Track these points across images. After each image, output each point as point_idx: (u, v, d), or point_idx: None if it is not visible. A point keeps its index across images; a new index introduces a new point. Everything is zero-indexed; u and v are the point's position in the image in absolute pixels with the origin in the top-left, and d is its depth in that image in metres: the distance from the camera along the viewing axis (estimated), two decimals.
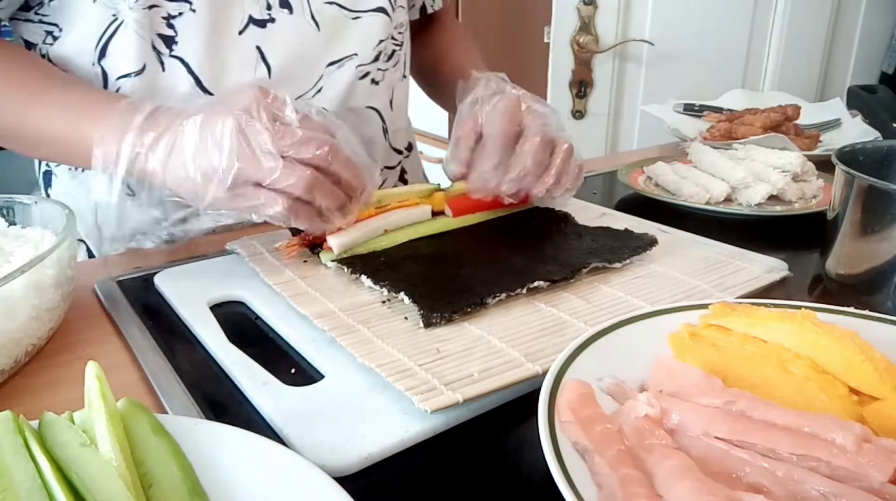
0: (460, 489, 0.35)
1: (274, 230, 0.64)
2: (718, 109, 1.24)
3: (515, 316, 0.48)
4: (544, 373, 0.38)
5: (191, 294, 0.53)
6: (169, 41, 0.64)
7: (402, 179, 0.88)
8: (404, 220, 0.62)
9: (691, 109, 1.26)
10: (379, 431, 0.37)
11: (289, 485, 0.31)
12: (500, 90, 0.66)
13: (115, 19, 0.63)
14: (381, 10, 0.73)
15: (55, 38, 0.65)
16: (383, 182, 0.84)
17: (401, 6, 0.77)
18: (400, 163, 0.86)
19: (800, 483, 0.28)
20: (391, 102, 0.81)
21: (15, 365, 0.45)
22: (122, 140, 0.51)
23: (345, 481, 0.31)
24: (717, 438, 0.32)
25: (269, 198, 0.50)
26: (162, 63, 0.65)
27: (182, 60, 0.65)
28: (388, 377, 0.40)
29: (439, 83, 0.88)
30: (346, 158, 0.52)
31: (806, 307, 0.42)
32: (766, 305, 0.43)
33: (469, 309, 0.48)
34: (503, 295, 0.50)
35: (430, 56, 0.91)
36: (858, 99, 1.23)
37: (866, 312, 0.43)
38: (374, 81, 0.76)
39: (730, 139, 1.03)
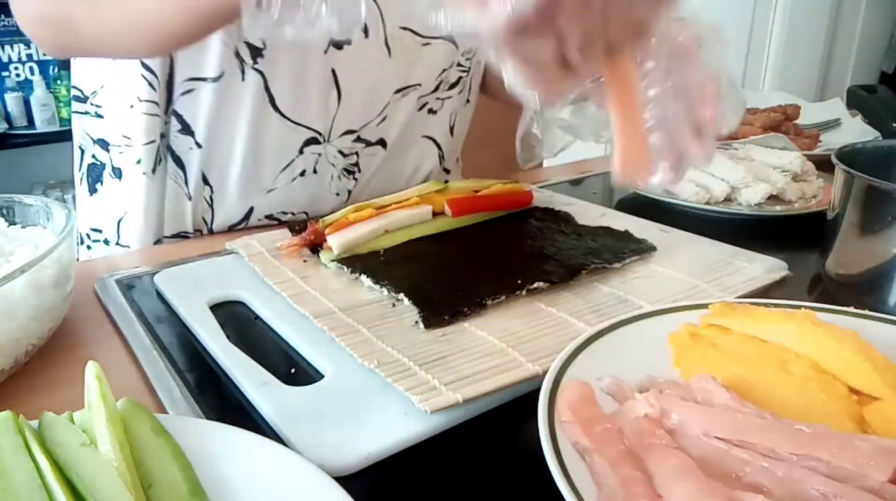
0: (460, 489, 0.35)
1: (274, 230, 0.64)
2: None
3: (515, 316, 0.48)
4: (544, 373, 0.38)
5: (191, 294, 0.53)
6: (255, 52, 0.63)
7: None
8: (404, 220, 0.62)
9: None
10: (379, 431, 0.37)
11: (289, 485, 0.31)
12: None
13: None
14: (450, 38, 0.73)
15: None
16: None
17: None
18: (447, 181, 0.86)
19: (800, 483, 0.28)
20: (452, 129, 0.80)
21: (15, 365, 0.45)
22: None
23: (345, 481, 0.31)
24: (716, 438, 0.32)
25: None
26: (243, 72, 0.64)
27: (262, 74, 0.64)
28: (388, 377, 0.40)
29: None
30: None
31: (806, 307, 0.42)
32: (766, 305, 0.43)
33: (469, 310, 0.48)
34: (503, 296, 0.50)
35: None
36: (858, 99, 1.22)
37: (866, 312, 0.43)
38: (431, 111, 0.76)
39: (730, 139, 1.03)
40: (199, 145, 0.68)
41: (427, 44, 0.71)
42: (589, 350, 0.39)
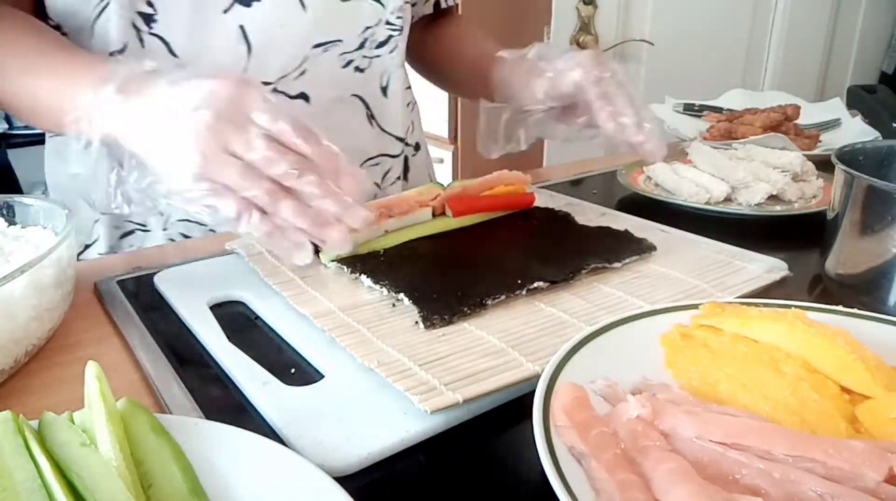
0: (460, 489, 0.35)
1: None
2: (718, 109, 1.25)
3: (515, 316, 0.48)
4: None
5: (191, 294, 0.53)
6: (147, 19, 0.64)
7: (405, 177, 0.87)
8: (404, 220, 0.62)
9: (691, 109, 1.26)
10: (379, 431, 0.37)
11: (289, 485, 0.31)
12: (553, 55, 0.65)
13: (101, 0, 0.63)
14: None
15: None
16: (387, 172, 0.83)
17: None
18: (403, 153, 0.85)
19: (797, 484, 0.28)
20: (384, 89, 0.79)
21: (15, 365, 0.45)
22: (91, 104, 0.48)
23: (345, 481, 0.31)
24: (711, 441, 0.32)
25: (226, 200, 0.44)
26: (141, 41, 0.64)
27: (162, 39, 0.64)
28: (388, 377, 0.40)
29: (462, 72, 0.86)
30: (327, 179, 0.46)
31: (796, 307, 0.42)
32: (756, 304, 0.44)
33: (469, 310, 0.48)
34: (503, 296, 0.50)
35: (445, 50, 0.89)
36: (858, 99, 1.23)
37: (856, 310, 0.43)
38: (358, 69, 0.75)
39: (730, 139, 1.03)
40: None
41: (346, 0, 0.71)
42: (582, 353, 0.39)
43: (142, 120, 0.47)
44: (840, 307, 0.43)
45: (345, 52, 0.73)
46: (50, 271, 0.46)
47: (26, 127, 2.52)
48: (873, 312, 0.43)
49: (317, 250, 0.58)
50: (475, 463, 0.37)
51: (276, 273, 0.56)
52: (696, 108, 1.26)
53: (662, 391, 0.37)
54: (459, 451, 0.38)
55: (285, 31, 0.68)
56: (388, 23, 0.75)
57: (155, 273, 0.58)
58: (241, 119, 0.45)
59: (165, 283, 0.56)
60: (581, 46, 1.69)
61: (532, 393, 0.35)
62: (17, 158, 2.52)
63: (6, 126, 2.49)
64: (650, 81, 1.73)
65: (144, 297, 0.55)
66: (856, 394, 0.36)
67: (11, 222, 0.55)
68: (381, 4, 0.73)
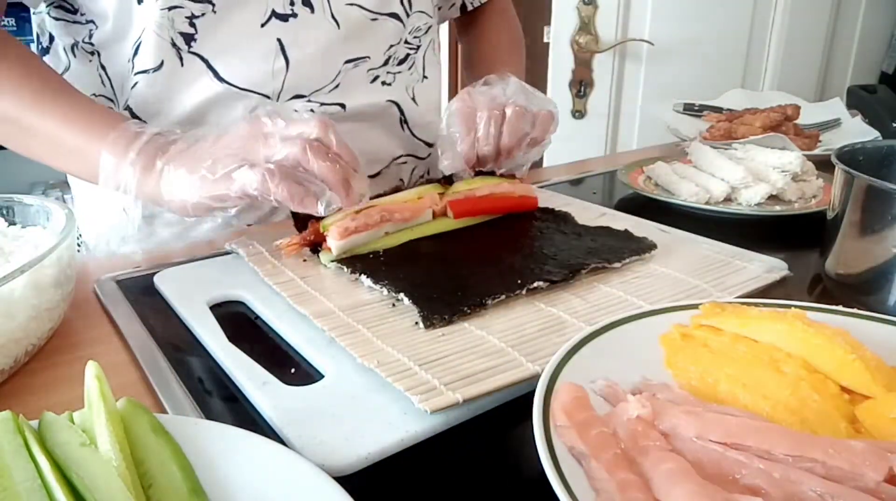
0: (460, 489, 0.35)
1: (273, 230, 0.64)
2: (718, 109, 1.25)
3: (515, 316, 0.48)
4: None
5: (191, 294, 0.53)
6: (188, 38, 0.66)
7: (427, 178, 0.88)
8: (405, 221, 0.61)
9: (691, 109, 1.26)
10: (379, 431, 0.37)
11: (289, 485, 0.31)
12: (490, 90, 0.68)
13: (144, 31, 0.65)
14: (394, 15, 0.75)
15: (91, 38, 0.69)
16: (414, 169, 0.86)
17: (419, 11, 0.78)
18: (430, 155, 0.87)
19: (797, 484, 0.28)
20: (413, 99, 0.81)
21: (15, 365, 0.45)
22: (124, 158, 0.54)
23: (345, 481, 0.31)
24: (711, 441, 0.32)
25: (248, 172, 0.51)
26: (181, 59, 0.67)
27: (201, 57, 0.67)
28: (388, 377, 0.40)
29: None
30: (341, 139, 0.53)
31: (796, 307, 0.42)
32: (756, 304, 0.43)
33: (469, 310, 0.48)
34: (503, 296, 0.50)
35: (473, 53, 0.93)
36: (858, 99, 1.23)
37: (856, 310, 0.43)
38: (384, 83, 0.77)
39: (730, 139, 1.03)
40: None
41: (375, 19, 0.73)
42: (582, 353, 0.39)
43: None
44: (840, 307, 0.43)
45: (372, 69, 0.75)
46: (50, 271, 0.46)
47: None
48: (873, 312, 0.43)
49: (316, 251, 0.58)
50: (475, 463, 0.37)
51: (276, 273, 0.56)
52: (696, 108, 1.26)
53: (662, 391, 0.37)
54: (459, 451, 0.38)
55: (320, 47, 0.71)
56: (406, 42, 0.78)
57: (155, 273, 0.58)
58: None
59: (165, 283, 0.56)
60: (581, 46, 1.69)
61: (532, 393, 0.35)
62: (18, 158, 2.52)
63: None
64: (650, 82, 1.73)
65: (144, 297, 0.55)
66: (856, 394, 0.36)
67: (11, 222, 0.55)
68: (402, 23, 0.76)
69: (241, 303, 0.54)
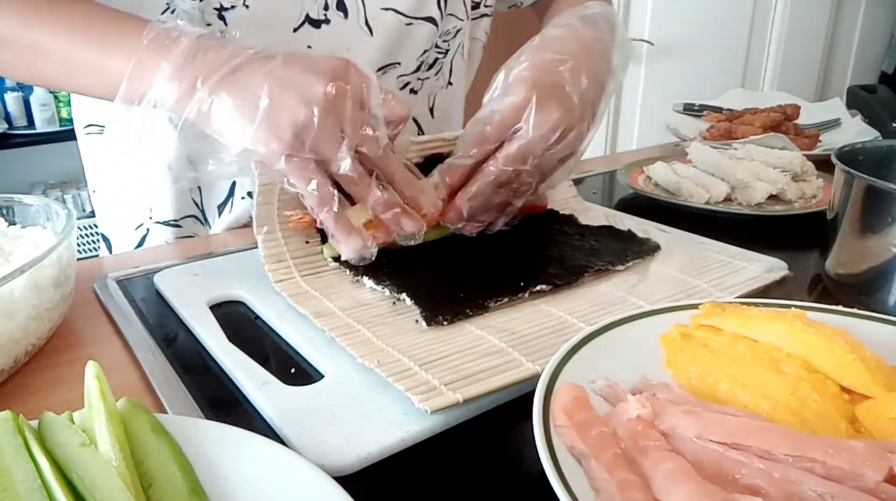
0: (460, 489, 0.35)
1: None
2: (718, 109, 1.25)
3: (515, 316, 0.48)
4: None
5: (191, 294, 0.53)
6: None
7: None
8: None
9: (691, 109, 1.26)
10: (379, 431, 0.37)
11: (289, 485, 0.31)
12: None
13: (168, 7, 0.62)
14: (430, 19, 0.73)
15: None
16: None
17: (451, 14, 0.75)
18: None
19: (797, 484, 0.28)
20: (431, 110, 0.80)
21: (15, 365, 0.45)
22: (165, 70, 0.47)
23: (345, 481, 0.31)
24: (711, 441, 0.32)
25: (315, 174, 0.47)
26: None
27: None
28: (388, 377, 0.40)
29: None
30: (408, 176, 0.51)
31: (796, 306, 0.42)
32: (756, 304, 0.44)
33: (470, 312, 0.48)
34: (505, 299, 0.50)
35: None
36: (858, 99, 1.23)
37: (856, 310, 0.43)
38: (412, 91, 0.76)
39: (730, 139, 1.04)
40: None
41: (410, 24, 0.71)
42: (582, 353, 0.39)
43: (242, 86, 0.46)
44: (840, 307, 0.43)
45: (402, 75, 0.74)
46: (50, 271, 0.46)
47: (26, 127, 2.52)
48: (873, 312, 0.43)
49: (324, 240, 0.58)
50: (475, 463, 0.37)
51: (276, 273, 0.55)
52: (696, 108, 1.26)
53: (662, 391, 0.37)
54: (459, 451, 0.38)
55: (352, 55, 0.67)
56: (436, 46, 0.76)
57: (155, 273, 0.58)
58: (356, 104, 0.47)
59: (165, 283, 0.56)
60: None
61: (532, 393, 0.35)
62: (18, 158, 2.52)
63: (6, 126, 2.49)
64: (650, 81, 1.73)
65: (144, 297, 0.55)
66: (856, 394, 0.36)
67: (11, 222, 0.55)
68: (437, 27, 0.74)
69: (241, 303, 0.54)
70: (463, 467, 0.37)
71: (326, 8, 0.66)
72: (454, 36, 0.79)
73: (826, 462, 0.29)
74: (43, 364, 0.47)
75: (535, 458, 0.31)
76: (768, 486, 0.29)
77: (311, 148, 0.46)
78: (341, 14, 0.67)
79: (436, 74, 0.78)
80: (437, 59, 0.78)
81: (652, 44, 1.66)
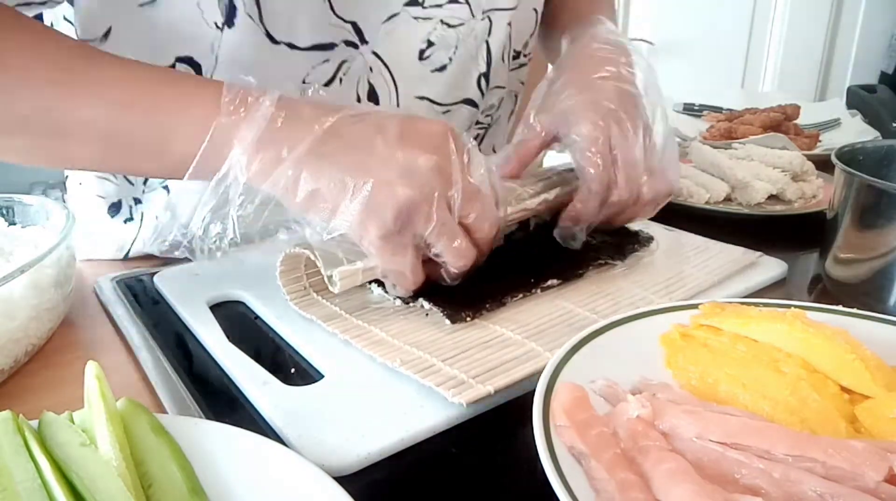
0: (460, 489, 0.35)
1: None
2: (718, 109, 1.25)
3: (529, 310, 0.49)
4: None
5: (191, 294, 0.53)
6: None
7: None
8: None
9: (691, 109, 1.26)
10: (379, 430, 0.37)
11: (289, 485, 0.31)
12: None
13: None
14: (469, 101, 0.71)
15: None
16: None
17: (497, 86, 0.72)
18: None
19: (797, 484, 0.28)
20: None
21: (15, 365, 0.45)
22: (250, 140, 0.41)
23: (345, 481, 0.31)
24: (711, 441, 0.32)
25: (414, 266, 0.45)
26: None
27: None
28: (416, 374, 0.40)
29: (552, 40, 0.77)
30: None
31: (796, 306, 0.42)
32: (756, 304, 0.44)
33: (490, 307, 0.48)
34: (520, 295, 0.50)
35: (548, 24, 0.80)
36: (858, 99, 1.23)
37: (856, 310, 0.43)
38: None
39: (729, 139, 1.04)
40: None
41: (447, 111, 0.69)
42: (582, 353, 0.39)
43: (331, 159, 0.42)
44: (840, 307, 0.43)
45: None
46: (50, 271, 0.46)
47: None
48: (873, 312, 0.43)
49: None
50: (475, 463, 0.37)
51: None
52: (696, 108, 1.26)
53: (662, 391, 0.37)
54: (459, 451, 0.38)
55: None
56: (478, 122, 0.75)
57: (155, 273, 0.58)
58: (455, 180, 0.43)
59: (165, 283, 0.56)
60: None
61: (532, 393, 0.35)
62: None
63: None
64: None
65: (144, 297, 0.55)
66: (856, 394, 0.36)
67: (11, 222, 0.55)
68: (477, 107, 0.72)
69: (241, 303, 0.54)
70: (463, 467, 0.37)
71: (358, 100, 0.64)
72: (498, 108, 0.76)
73: (826, 462, 0.29)
74: (43, 364, 0.47)
75: (534, 459, 0.31)
76: (768, 486, 0.29)
77: (410, 231, 0.43)
78: (372, 103, 0.65)
79: (479, 145, 0.77)
80: (477, 135, 0.76)
81: (652, 44, 1.66)
